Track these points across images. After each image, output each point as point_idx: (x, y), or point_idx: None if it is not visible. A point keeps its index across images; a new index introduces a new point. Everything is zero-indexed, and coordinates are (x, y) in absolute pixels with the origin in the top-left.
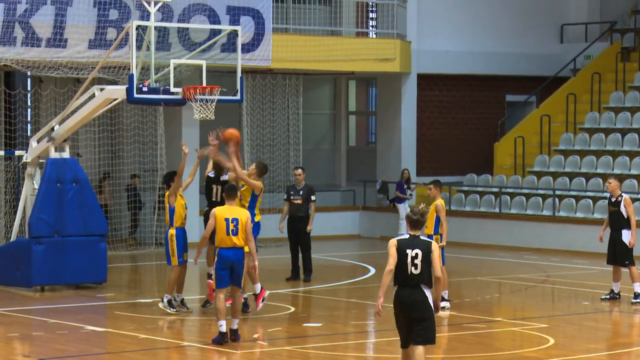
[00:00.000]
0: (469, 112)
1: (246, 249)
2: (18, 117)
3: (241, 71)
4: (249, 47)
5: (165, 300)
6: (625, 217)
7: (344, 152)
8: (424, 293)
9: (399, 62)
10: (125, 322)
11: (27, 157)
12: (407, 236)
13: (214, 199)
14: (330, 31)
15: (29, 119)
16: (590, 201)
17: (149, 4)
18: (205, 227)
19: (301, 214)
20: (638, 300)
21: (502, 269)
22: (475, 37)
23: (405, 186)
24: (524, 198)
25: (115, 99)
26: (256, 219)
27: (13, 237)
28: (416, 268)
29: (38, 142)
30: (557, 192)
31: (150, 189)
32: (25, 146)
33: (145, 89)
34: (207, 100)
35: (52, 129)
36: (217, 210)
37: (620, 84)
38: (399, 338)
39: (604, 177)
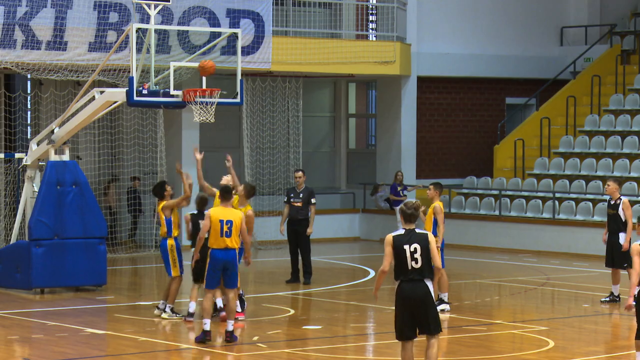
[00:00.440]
0: (469, 114)
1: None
2: (18, 119)
3: (241, 74)
4: (249, 50)
5: (168, 309)
6: (623, 220)
7: (343, 154)
8: (426, 286)
9: (399, 65)
10: (125, 324)
11: (27, 159)
12: (402, 232)
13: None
14: (330, 34)
15: (29, 122)
16: (590, 204)
17: (149, 6)
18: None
19: (301, 216)
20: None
21: (501, 272)
22: (475, 40)
23: (399, 188)
24: (523, 200)
25: (115, 102)
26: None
27: (13, 240)
28: (416, 262)
29: (38, 144)
30: (557, 195)
31: (150, 191)
32: (25, 149)
33: (145, 91)
34: (207, 103)
35: (52, 131)
36: (212, 211)
37: (620, 87)
38: (396, 333)
39: (604, 179)
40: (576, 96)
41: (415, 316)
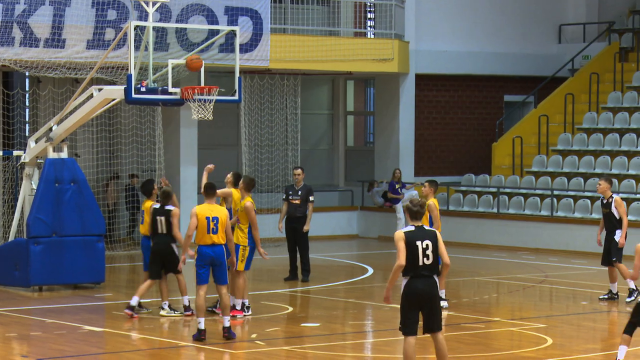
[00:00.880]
0: (467, 112)
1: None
2: (16, 117)
3: (239, 71)
4: (247, 48)
5: (165, 306)
6: (618, 218)
7: (342, 152)
8: (435, 283)
9: (397, 63)
10: (123, 322)
11: (25, 157)
12: (412, 228)
13: (159, 231)
14: (329, 31)
15: (27, 119)
16: (589, 201)
17: (147, 4)
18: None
19: (299, 214)
20: (632, 299)
21: (500, 269)
22: (473, 38)
23: (398, 186)
24: (522, 198)
25: (114, 99)
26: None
27: (11, 237)
28: (428, 258)
29: (36, 142)
30: (555, 192)
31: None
32: (23, 146)
33: (143, 89)
34: (205, 101)
35: (50, 129)
36: (197, 208)
37: (619, 84)
38: (402, 328)
39: (600, 178)
40: (574, 94)
41: (422, 312)
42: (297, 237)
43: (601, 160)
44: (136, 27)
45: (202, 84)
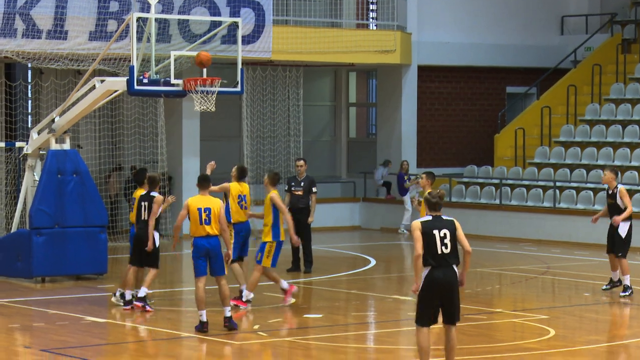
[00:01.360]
0: (470, 103)
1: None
2: (18, 108)
3: (241, 63)
4: (249, 39)
5: (117, 294)
6: (623, 208)
7: (344, 143)
8: (455, 273)
9: (399, 54)
10: (126, 313)
11: (28, 148)
12: (429, 218)
13: (142, 218)
14: (331, 23)
15: (29, 111)
16: (591, 192)
17: None
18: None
19: (302, 205)
20: (627, 293)
21: (502, 261)
22: (475, 29)
23: (406, 177)
24: (524, 189)
25: (116, 91)
26: (266, 239)
27: (14, 229)
28: (446, 247)
29: (39, 133)
30: (558, 184)
31: None
32: (25, 138)
33: (145, 80)
34: (207, 92)
35: (53, 120)
36: (190, 200)
37: (621, 76)
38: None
39: (605, 168)
40: (577, 85)
41: (443, 303)
42: (300, 228)
43: (604, 152)
44: (138, 19)
45: (205, 76)
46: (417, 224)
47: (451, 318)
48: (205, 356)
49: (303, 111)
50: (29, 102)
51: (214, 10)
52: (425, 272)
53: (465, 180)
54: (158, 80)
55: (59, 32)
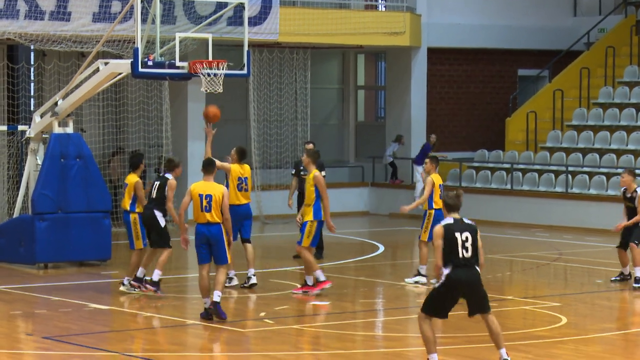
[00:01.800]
0: (480, 86)
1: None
2: (21, 91)
3: (248, 45)
4: (256, 21)
5: (126, 282)
6: None
7: (352, 127)
8: (477, 272)
9: (409, 36)
10: (130, 300)
11: (30, 132)
12: (451, 220)
13: (152, 196)
14: (339, 4)
15: (32, 94)
16: (604, 177)
17: None
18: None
19: None
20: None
21: (513, 247)
22: (486, 10)
23: (432, 151)
24: (536, 174)
25: (120, 73)
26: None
27: (16, 214)
28: (467, 251)
29: (41, 117)
30: (570, 169)
31: (153, 164)
32: (28, 121)
33: (150, 63)
34: (213, 75)
35: (56, 103)
36: (193, 186)
37: (635, 58)
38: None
39: (618, 153)
40: (590, 68)
41: (468, 299)
42: None
43: (617, 136)
44: (143, 0)
45: (210, 58)
46: (439, 229)
47: (483, 308)
48: (211, 344)
49: (310, 94)
50: (32, 84)
51: None
52: (446, 270)
53: (476, 164)
54: (163, 63)
55: (62, 13)
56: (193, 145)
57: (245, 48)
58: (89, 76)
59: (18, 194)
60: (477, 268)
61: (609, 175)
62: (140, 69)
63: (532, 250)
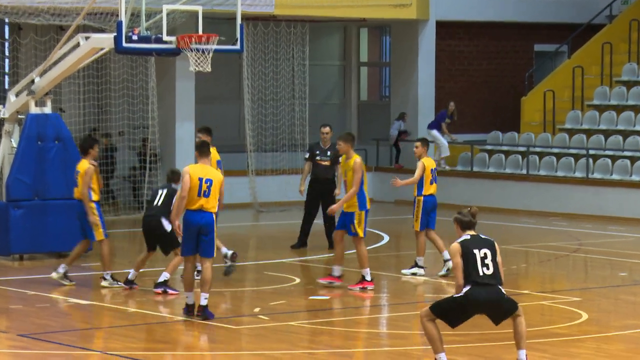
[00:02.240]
0: (493, 63)
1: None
2: None
3: (241, 18)
4: None
5: (108, 276)
6: None
7: (354, 107)
8: (501, 290)
9: (416, 8)
10: (113, 294)
11: (5, 112)
12: (468, 237)
13: (155, 204)
14: None
15: (6, 70)
16: (628, 161)
17: None
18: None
19: (329, 176)
20: None
21: (529, 237)
22: None
23: (449, 120)
24: (554, 158)
25: (102, 49)
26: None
27: None
28: (487, 268)
29: (17, 95)
30: (591, 152)
31: (133, 147)
32: (2, 100)
33: (135, 37)
34: (203, 50)
35: (32, 81)
36: (190, 168)
37: None
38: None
39: None
40: (612, 42)
41: (489, 315)
42: (324, 202)
43: None
44: None
45: (200, 32)
46: (456, 247)
47: (508, 314)
48: (201, 342)
49: (309, 71)
50: (6, 61)
51: None
52: (465, 289)
53: (489, 147)
54: (149, 37)
55: None
56: (181, 127)
57: (238, 21)
58: (69, 52)
59: None
60: (500, 286)
61: (633, 159)
62: (124, 44)
63: (549, 240)
